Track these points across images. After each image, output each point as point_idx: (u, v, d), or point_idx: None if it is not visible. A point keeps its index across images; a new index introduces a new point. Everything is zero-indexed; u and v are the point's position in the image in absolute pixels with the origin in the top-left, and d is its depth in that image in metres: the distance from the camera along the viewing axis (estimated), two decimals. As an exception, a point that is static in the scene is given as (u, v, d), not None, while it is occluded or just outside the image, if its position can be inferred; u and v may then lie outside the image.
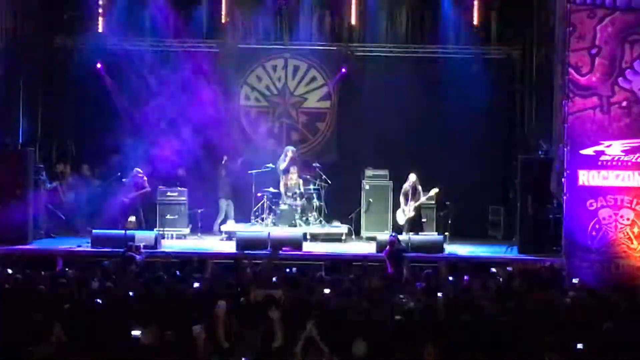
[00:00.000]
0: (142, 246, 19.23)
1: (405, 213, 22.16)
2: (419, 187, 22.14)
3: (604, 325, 11.54)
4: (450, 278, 16.63)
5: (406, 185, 22.22)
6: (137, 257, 18.07)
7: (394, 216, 22.60)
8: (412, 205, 22.06)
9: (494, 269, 17.39)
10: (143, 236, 20.52)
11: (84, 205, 22.81)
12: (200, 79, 23.69)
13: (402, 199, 22.24)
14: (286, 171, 23.08)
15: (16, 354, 10.68)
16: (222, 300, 12.37)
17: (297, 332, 11.55)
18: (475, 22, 23.59)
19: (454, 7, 23.54)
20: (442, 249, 20.80)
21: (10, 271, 16.10)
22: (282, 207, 22.84)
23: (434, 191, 22.11)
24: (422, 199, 22.12)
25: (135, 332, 10.97)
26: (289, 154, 23.17)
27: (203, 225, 22.84)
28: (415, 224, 22.10)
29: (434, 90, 23.70)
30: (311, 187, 23.12)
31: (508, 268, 17.74)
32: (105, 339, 11.09)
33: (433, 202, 22.50)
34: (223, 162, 23.21)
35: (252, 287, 13.91)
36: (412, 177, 22.19)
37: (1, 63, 21.66)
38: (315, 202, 23.10)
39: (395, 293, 14.59)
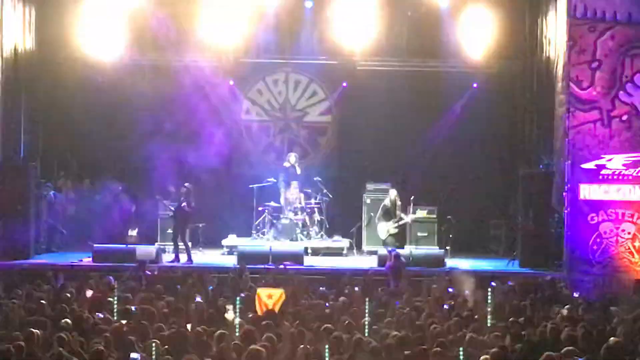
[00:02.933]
0: (148, 261, 19.17)
1: (389, 229, 22.11)
2: (399, 203, 22.19)
3: (609, 340, 11.49)
4: (450, 289, 16.68)
5: (386, 202, 22.24)
6: (149, 274, 18.04)
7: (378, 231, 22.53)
8: (393, 221, 22.03)
9: (494, 283, 17.39)
10: (144, 250, 20.52)
11: (85, 219, 22.80)
12: (201, 93, 23.70)
13: (381, 213, 22.22)
14: (288, 183, 23.04)
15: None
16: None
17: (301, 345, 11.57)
18: (475, 36, 23.59)
19: (454, 21, 23.55)
20: (443, 263, 20.77)
21: (12, 286, 16.12)
22: (283, 221, 22.84)
23: (420, 213, 22.14)
24: (407, 219, 22.10)
25: (134, 356, 10.99)
26: (292, 159, 23.18)
27: (204, 239, 22.82)
28: (395, 240, 22.04)
29: (435, 105, 23.73)
30: (312, 201, 23.11)
31: (509, 282, 17.72)
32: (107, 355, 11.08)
33: (434, 216, 22.51)
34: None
35: None
36: (392, 194, 22.24)
37: (4, 79, 21.68)
38: (317, 216, 23.10)
39: (397, 306, 14.64)
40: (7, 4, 21.75)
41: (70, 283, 16.67)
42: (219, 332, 11.96)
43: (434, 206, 22.64)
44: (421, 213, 22.20)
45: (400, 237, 22.19)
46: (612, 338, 11.63)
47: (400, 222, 22.11)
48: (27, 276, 18.11)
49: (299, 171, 23.12)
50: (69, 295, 14.96)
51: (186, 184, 21.43)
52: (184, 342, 11.82)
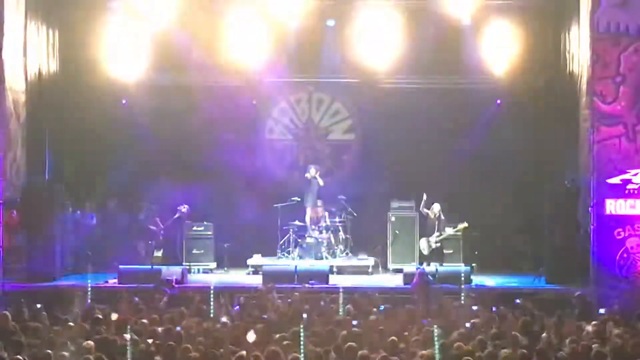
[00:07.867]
0: (174, 280, 19.28)
1: (430, 244, 22.09)
2: (443, 217, 22.10)
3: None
4: (475, 307, 16.60)
5: (430, 216, 22.19)
6: (169, 291, 18.08)
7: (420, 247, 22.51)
8: (435, 236, 22.01)
9: (518, 300, 17.31)
10: (169, 271, 20.55)
11: (110, 240, 22.85)
12: (225, 114, 23.74)
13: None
14: (313, 200, 23.02)
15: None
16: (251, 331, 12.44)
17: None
18: (498, 52, 23.55)
19: (476, 37, 23.52)
20: (469, 280, 20.67)
21: (38, 308, 16.15)
22: (308, 240, 22.84)
23: (461, 226, 22.05)
24: (450, 231, 22.06)
25: None
26: (312, 171, 23.18)
27: (229, 259, 22.82)
28: (438, 255, 22.03)
29: (458, 121, 23.68)
30: (337, 219, 23.10)
31: (516, 300, 17.62)
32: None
33: (459, 233, 22.42)
34: None
35: None
36: (436, 208, 22.15)
37: (28, 101, 21.81)
38: (341, 235, 23.09)
39: (422, 324, 14.57)
40: (31, 27, 21.91)
41: (97, 305, 16.69)
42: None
43: (458, 223, 22.60)
44: (462, 226, 22.09)
45: (440, 253, 22.10)
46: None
47: (442, 237, 22.03)
48: (52, 298, 18.14)
49: (321, 183, 23.09)
50: (97, 317, 14.97)
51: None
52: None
